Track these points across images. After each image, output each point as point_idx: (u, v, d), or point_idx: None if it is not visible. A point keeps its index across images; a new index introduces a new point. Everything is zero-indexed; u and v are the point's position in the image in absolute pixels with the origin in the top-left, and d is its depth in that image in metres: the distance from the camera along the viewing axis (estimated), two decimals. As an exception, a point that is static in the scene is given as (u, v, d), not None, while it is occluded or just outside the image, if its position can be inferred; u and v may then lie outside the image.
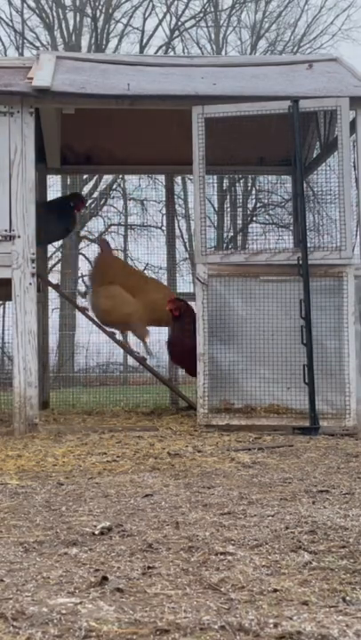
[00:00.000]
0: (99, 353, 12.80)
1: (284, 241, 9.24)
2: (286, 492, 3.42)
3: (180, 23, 24.82)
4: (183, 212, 17.26)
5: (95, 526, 2.72)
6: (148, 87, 6.66)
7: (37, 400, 6.36)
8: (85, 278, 16.05)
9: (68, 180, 14.30)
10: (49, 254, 9.54)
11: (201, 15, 25.16)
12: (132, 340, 8.50)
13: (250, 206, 17.18)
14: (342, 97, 6.41)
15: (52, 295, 9.72)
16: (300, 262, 6.24)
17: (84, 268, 15.59)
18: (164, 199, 10.21)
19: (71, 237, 14.63)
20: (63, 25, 24.07)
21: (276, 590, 1.98)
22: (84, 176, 17.16)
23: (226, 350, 6.28)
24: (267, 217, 15.29)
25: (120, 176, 16.16)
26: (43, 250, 8.54)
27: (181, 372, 8.55)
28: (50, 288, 8.90)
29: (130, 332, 8.25)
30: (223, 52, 24.73)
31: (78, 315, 10.61)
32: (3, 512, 3.09)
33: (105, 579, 2.09)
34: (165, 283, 8.90)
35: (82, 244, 14.61)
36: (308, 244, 6.34)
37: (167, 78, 7.08)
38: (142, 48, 24.07)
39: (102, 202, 18.41)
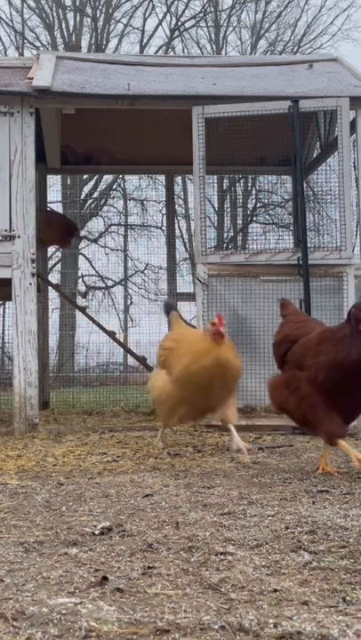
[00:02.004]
0: (99, 353, 12.83)
1: (284, 241, 9.25)
2: (286, 492, 3.42)
3: (180, 23, 24.82)
4: (183, 211, 17.24)
5: (95, 526, 2.72)
6: (148, 87, 6.67)
7: (37, 400, 6.36)
8: (85, 278, 16.09)
9: (68, 179, 14.29)
10: (49, 254, 9.53)
11: (201, 15, 25.18)
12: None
13: (250, 206, 17.17)
14: (342, 97, 6.41)
15: (52, 295, 9.72)
16: (300, 262, 6.25)
17: (84, 268, 15.61)
18: (164, 199, 10.21)
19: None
20: (63, 25, 24.07)
21: (276, 590, 1.98)
22: (84, 176, 17.16)
23: (226, 350, 6.27)
24: (267, 217, 15.29)
25: (120, 176, 16.15)
26: (43, 250, 8.53)
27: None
28: (50, 288, 8.90)
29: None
30: (223, 52, 24.71)
31: (78, 315, 10.62)
32: (3, 512, 3.09)
33: (105, 579, 2.09)
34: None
35: (82, 244, 14.61)
36: (309, 244, 6.34)
37: (167, 78, 7.08)
38: (142, 48, 24.06)
39: (102, 202, 18.41)
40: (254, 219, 16.38)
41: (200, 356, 4.76)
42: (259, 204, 16.70)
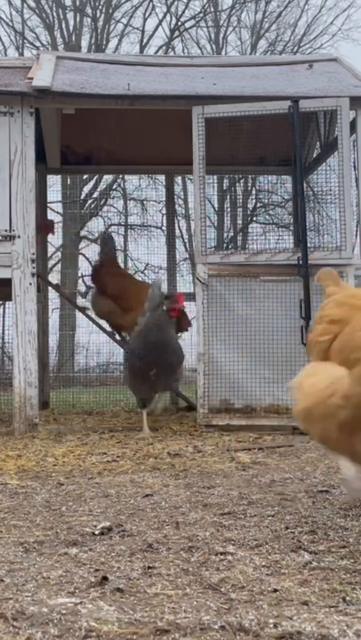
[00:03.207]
0: (99, 353, 12.82)
1: (284, 241, 9.25)
2: (286, 492, 3.42)
3: (180, 23, 24.81)
4: (183, 211, 17.25)
5: (95, 526, 2.72)
6: (148, 87, 6.66)
7: (37, 400, 6.36)
8: (85, 278, 16.09)
9: (68, 179, 14.31)
10: (49, 254, 9.52)
11: (201, 15, 25.17)
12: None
13: (250, 206, 17.18)
14: (342, 97, 6.41)
15: (52, 295, 9.72)
16: (300, 262, 6.25)
17: (84, 267, 15.62)
18: (164, 199, 10.21)
19: (70, 237, 14.66)
20: (63, 25, 24.06)
21: (276, 590, 1.98)
22: (84, 176, 17.17)
23: (226, 350, 6.28)
24: (267, 217, 15.31)
25: (120, 176, 16.16)
26: (43, 250, 8.53)
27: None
28: (50, 288, 8.90)
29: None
30: (223, 52, 24.71)
31: (78, 315, 10.62)
32: (3, 512, 3.09)
33: (105, 579, 2.09)
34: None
35: (82, 244, 14.61)
36: (308, 244, 6.34)
37: (167, 78, 7.08)
38: (142, 48, 24.06)
39: (102, 202, 18.41)
40: (254, 219, 16.40)
41: None
42: (259, 204, 16.72)
